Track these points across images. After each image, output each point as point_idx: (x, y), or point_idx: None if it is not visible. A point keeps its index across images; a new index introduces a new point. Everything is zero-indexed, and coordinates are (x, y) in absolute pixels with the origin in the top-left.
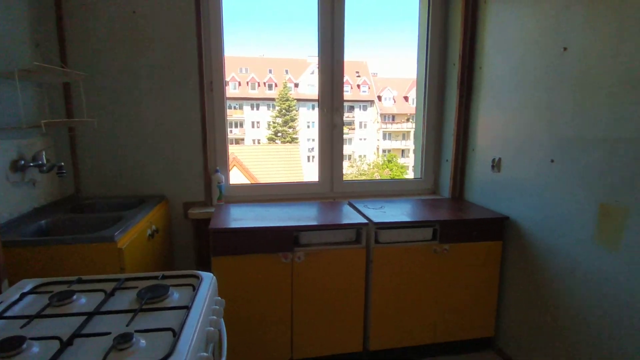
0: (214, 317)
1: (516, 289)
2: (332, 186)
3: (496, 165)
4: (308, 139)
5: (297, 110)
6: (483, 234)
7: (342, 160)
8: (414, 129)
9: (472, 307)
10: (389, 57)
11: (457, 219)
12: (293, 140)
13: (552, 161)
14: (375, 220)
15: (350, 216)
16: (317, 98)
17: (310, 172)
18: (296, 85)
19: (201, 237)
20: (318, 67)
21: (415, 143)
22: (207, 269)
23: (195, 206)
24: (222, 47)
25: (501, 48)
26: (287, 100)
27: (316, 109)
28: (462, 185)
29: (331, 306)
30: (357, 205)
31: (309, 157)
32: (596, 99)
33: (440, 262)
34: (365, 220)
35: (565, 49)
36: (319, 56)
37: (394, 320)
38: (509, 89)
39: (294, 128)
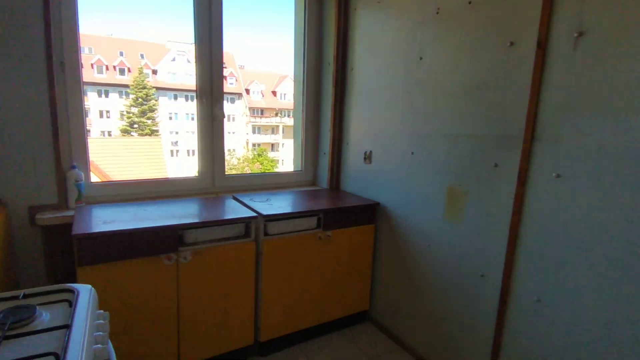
0: (100, 332)
1: (386, 265)
2: (213, 181)
3: (368, 157)
4: (171, 132)
5: (156, 100)
6: (359, 219)
7: (224, 154)
8: (282, 124)
9: (351, 285)
10: (255, 51)
11: (337, 207)
12: (153, 132)
13: (413, 153)
14: (264, 212)
15: (238, 210)
16: (182, 87)
17: (175, 168)
18: (154, 72)
19: (55, 246)
20: (195, 56)
21: (294, 137)
22: (69, 282)
23: (45, 210)
24: (77, 19)
25: (370, 52)
26: (145, 88)
27: (179, 99)
28: (339, 177)
29: (222, 303)
30: (242, 199)
31: (172, 151)
32: (444, 102)
33: (323, 247)
34: (254, 214)
35: (421, 58)
36: (196, 44)
37: (283, 308)
38: (378, 89)
39: (154, 119)
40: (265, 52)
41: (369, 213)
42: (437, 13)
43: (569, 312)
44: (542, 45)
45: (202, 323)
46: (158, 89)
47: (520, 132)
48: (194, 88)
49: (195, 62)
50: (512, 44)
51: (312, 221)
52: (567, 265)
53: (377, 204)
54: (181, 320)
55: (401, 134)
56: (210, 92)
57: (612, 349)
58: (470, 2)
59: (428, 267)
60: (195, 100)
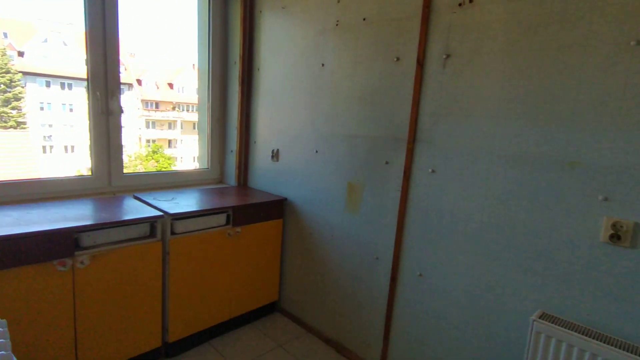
0: (2, 340)
1: (294, 257)
2: (110, 180)
3: (275, 155)
4: (43, 125)
5: (23, 87)
6: (268, 214)
7: (122, 151)
8: (181, 119)
9: (261, 278)
10: (150, 37)
11: (247, 203)
12: (19, 125)
13: (317, 151)
14: (171, 211)
15: (141, 210)
16: (57, 74)
17: (50, 166)
18: (20, 54)
19: None
20: (86, 40)
21: (199, 134)
22: None
23: None
24: None
25: (275, 54)
26: (8, 72)
27: (53, 87)
28: (247, 174)
29: (125, 308)
30: (145, 199)
31: (45, 147)
32: (344, 106)
33: (233, 244)
34: (159, 213)
35: (323, 64)
36: (86, 26)
37: (192, 306)
38: (284, 91)
39: (20, 109)
40: (162, 39)
41: (277, 208)
42: (337, 25)
43: (442, 283)
44: (421, 63)
45: (102, 330)
46: (25, 74)
47: (405, 135)
48: (73, 75)
49: (86, 47)
50: (397, 59)
51: (222, 218)
52: (441, 245)
53: (285, 199)
54: (78, 329)
55: (306, 134)
56: (105, 82)
57: (470, 308)
58: (364, 19)
59: (331, 255)
60: (85, 90)
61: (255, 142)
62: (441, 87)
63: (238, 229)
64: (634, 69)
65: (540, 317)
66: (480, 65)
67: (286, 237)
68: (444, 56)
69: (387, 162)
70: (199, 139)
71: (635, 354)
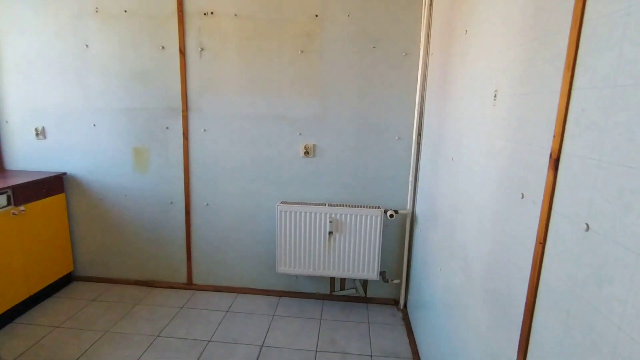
0: None
1: (86, 225)
2: None
3: (41, 133)
4: None
5: None
6: (50, 190)
7: None
8: None
9: (54, 252)
10: None
11: (26, 181)
12: None
13: (95, 125)
14: None
15: None
16: None
17: None
18: None
19: None
20: None
21: None
22: None
23: None
24: None
25: (24, 32)
26: None
27: None
28: (1, 156)
29: None
30: None
31: None
32: (118, 83)
33: (19, 223)
34: None
35: (87, 46)
36: None
37: None
38: (40, 68)
39: None
40: None
41: (57, 183)
42: (97, 12)
43: (223, 204)
44: (183, 52)
45: None
46: None
47: (179, 105)
48: None
49: None
50: (163, 48)
51: (2, 199)
52: (218, 180)
53: (64, 173)
54: None
55: (79, 110)
56: None
57: (244, 210)
58: (126, 11)
59: (128, 213)
60: None
61: (7, 121)
62: (201, 71)
63: (22, 207)
64: (300, 65)
65: (280, 203)
66: (224, 58)
67: (72, 208)
68: (200, 49)
69: (167, 128)
70: None
71: (318, 205)
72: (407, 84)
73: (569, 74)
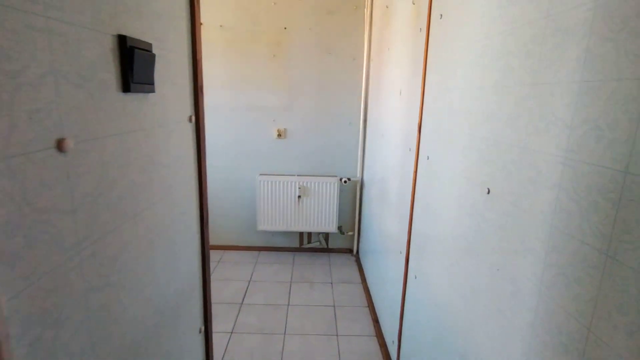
0: None
1: None
2: None
3: None
4: None
5: None
6: None
7: None
8: None
9: None
10: None
11: None
12: None
13: None
14: None
15: None
16: None
17: None
18: None
19: None
20: None
21: None
22: None
23: None
24: None
25: None
26: None
27: None
28: None
29: None
30: None
31: None
32: None
33: None
34: None
35: None
36: None
37: None
38: None
39: None
40: None
41: None
42: None
43: (210, 180)
44: None
45: None
46: None
47: None
48: None
49: None
50: None
51: None
52: (208, 158)
53: None
54: None
55: None
56: None
57: (229, 182)
58: None
59: None
60: None
61: None
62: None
63: None
64: (272, 66)
65: (260, 175)
66: (211, 60)
67: None
68: None
69: None
70: None
71: (289, 175)
72: (355, 82)
73: (423, 84)
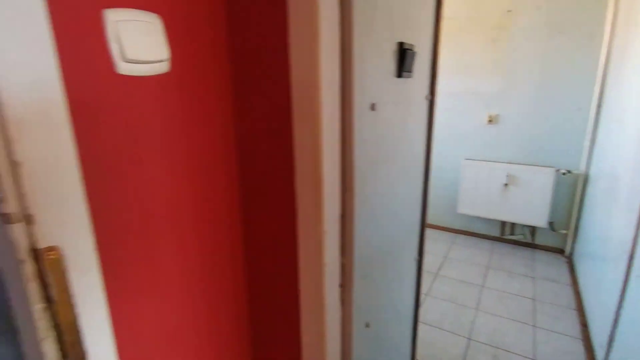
0: None
1: None
2: None
3: None
4: None
5: None
6: None
7: None
8: None
9: None
10: None
11: None
12: None
13: None
14: None
15: None
16: None
17: None
18: None
19: None
20: None
21: None
22: None
23: None
24: None
25: None
26: None
27: None
28: None
29: None
30: None
31: None
32: None
33: None
34: None
35: None
36: None
37: None
38: None
39: None
40: None
41: None
42: None
43: None
44: None
45: None
46: None
47: None
48: None
49: None
50: None
51: None
52: None
53: None
54: None
55: None
56: None
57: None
58: None
59: None
60: None
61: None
62: None
63: None
64: (492, 52)
65: (465, 159)
66: None
67: None
68: None
69: None
70: None
71: (495, 162)
72: (589, 63)
73: None
